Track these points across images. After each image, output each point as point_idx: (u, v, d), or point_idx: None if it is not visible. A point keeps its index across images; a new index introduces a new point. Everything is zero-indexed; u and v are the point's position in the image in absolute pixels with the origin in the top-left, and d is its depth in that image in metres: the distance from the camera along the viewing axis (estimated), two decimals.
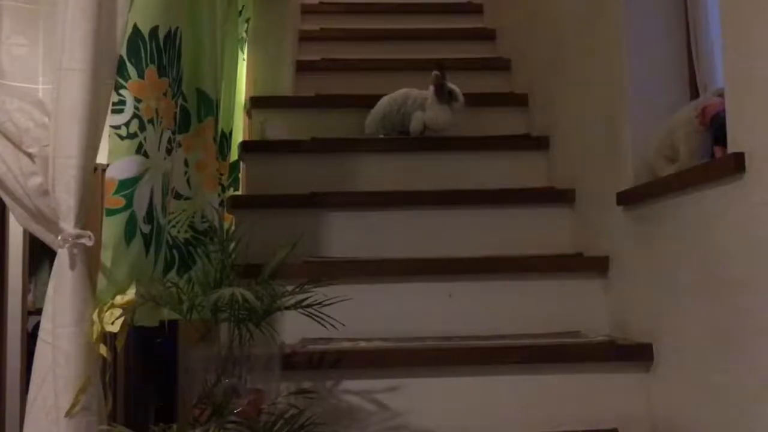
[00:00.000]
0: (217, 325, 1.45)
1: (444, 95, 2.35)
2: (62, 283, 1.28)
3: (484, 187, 2.24)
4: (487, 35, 3.34)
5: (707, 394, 1.42)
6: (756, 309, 1.24)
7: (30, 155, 1.32)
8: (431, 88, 2.36)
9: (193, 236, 1.67)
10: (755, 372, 1.26)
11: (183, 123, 1.64)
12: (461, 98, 2.37)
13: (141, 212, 1.38)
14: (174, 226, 1.63)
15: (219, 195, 1.89)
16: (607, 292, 1.89)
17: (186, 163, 1.67)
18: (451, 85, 2.36)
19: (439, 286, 1.89)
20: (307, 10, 3.53)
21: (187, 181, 1.68)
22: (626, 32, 1.73)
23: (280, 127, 2.54)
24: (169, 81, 1.47)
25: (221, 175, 1.96)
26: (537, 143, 2.41)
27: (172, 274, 1.60)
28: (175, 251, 1.63)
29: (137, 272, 1.39)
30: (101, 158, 1.36)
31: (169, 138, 1.49)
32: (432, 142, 2.40)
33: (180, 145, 1.63)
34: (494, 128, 2.55)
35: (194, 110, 1.69)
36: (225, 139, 2.04)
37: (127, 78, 1.37)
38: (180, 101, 1.58)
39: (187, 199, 1.67)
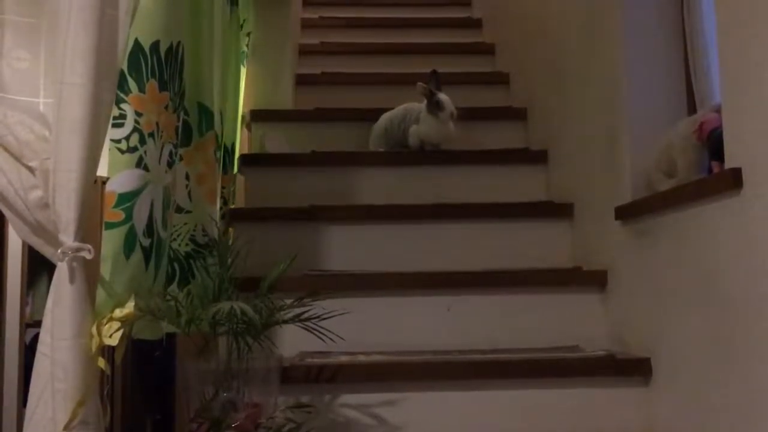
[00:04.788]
0: (216, 339, 1.45)
1: (432, 106, 2.35)
2: (61, 296, 1.28)
3: (483, 201, 2.24)
4: (486, 50, 3.36)
5: (706, 409, 1.42)
6: (755, 323, 1.25)
7: (30, 168, 1.32)
8: (425, 100, 2.37)
9: (194, 249, 1.67)
10: (754, 387, 1.26)
11: (184, 137, 1.65)
12: (448, 107, 2.34)
13: (141, 226, 1.39)
14: (175, 240, 1.64)
15: (221, 208, 1.90)
16: (606, 306, 1.89)
17: (187, 177, 1.68)
18: (441, 96, 2.35)
19: (437, 300, 1.89)
20: (307, 25, 3.56)
21: (188, 194, 1.68)
22: (625, 48, 1.74)
23: (279, 140, 2.55)
24: (170, 95, 1.48)
25: (223, 188, 1.97)
26: (536, 157, 2.41)
27: (173, 287, 1.60)
28: (176, 264, 1.63)
29: (136, 285, 1.39)
30: (102, 171, 1.37)
31: (170, 151, 1.50)
32: (431, 156, 2.40)
33: (181, 159, 1.64)
34: (493, 142, 2.56)
35: (195, 124, 1.70)
36: (227, 152, 2.05)
37: (128, 92, 1.38)
38: (182, 115, 1.59)
39: (188, 212, 1.68)
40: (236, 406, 1.39)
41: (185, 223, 1.67)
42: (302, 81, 3.01)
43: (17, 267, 3.00)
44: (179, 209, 1.65)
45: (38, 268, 3.11)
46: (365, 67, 3.12)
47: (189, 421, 1.40)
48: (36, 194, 1.32)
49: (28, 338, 3.04)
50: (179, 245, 1.65)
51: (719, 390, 1.37)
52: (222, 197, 1.96)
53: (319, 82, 3.02)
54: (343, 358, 1.69)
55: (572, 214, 2.15)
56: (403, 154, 2.43)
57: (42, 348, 1.30)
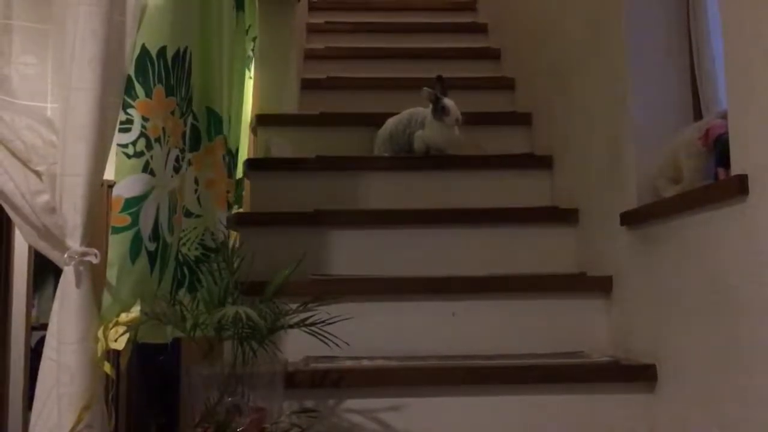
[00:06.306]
0: (221, 343, 1.45)
1: (438, 111, 2.35)
2: (68, 300, 1.28)
3: (487, 206, 2.24)
4: (491, 55, 3.36)
5: (711, 415, 1.42)
6: (759, 330, 1.24)
7: (38, 173, 1.33)
8: (430, 105, 2.37)
9: (203, 254, 1.68)
10: (759, 393, 1.25)
11: (194, 142, 1.65)
12: (453, 113, 2.33)
13: (146, 230, 1.39)
14: (185, 244, 1.64)
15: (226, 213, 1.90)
16: (611, 312, 1.89)
17: (196, 181, 1.69)
18: (446, 101, 2.35)
19: (442, 305, 1.89)
20: (313, 29, 3.57)
21: (198, 199, 1.69)
22: (630, 53, 1.74)
23: (284, 144, 2.55)
24: (176, 100, 1.49)
25: (228, 192, 1.97)
26: (541, 162, 2.41)
27: (183, 292, 1.61)
28: (185, 269, 1.63)
29: (142, 290, 1.39)
30: (109, 175, 1.37)
31: (177, 156, 1.51)
32: (436, 161, 2.40)
33: (190, 164, 1.64)
34: (498, 147, 2.56)
35: (204, 129, 1.71)
36: (232, 156, 2.06)
37: (134, 97, 1.39)
38: (190, 120, 1.60)
39: (197, 217, 1.68)
40: (241, 410, 1.39)
41: (195, 228, 1.68)
42: (308, 85, 3.02)
43: (23, 270, 3.02)
44: (189, 214, 1.65)
45: (44, 271, 3.13)
46: (370, 72, 3.13)
47: (194, 425, 1.40)
48: (43, 199, 1.32)
49: (33, 341, 3.05)
50: (189, 250, 1.66)
51: (725, 397, 1.36)
52: (227, 201, 1.96)
53: (324, 86, 3.02)
54: (348, 363, 1.69)
55: (577, 220, 2.15)
56: (408, 159, 2.43)
57: (48, 352, 1.31)
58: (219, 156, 1.74)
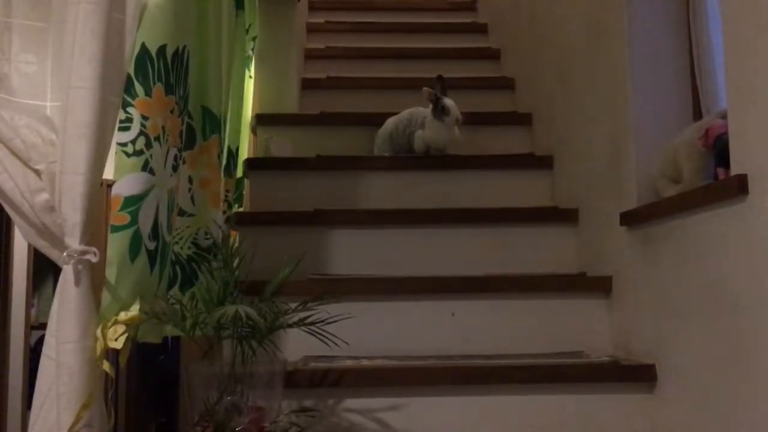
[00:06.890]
0: (220, 342, 1.45)
1: (438, 111, 2.35)
2: (67, 299, 1.28)
3: (488, 206, 2.24)
4: (491, 55, 3.36)
5: (711, 416, 1.42)
6: (759, 330, 1.24)
7: (37, 172, 1.33)
8: (430, 105, 2.37)
9: (195, 253, 1.68)
10: (759, 393, 1.25)
11: (188, 140, 1.65)
12: (453, 112, 2.33)
13: (146, 229, 1.39)
14: (177, 243, 1.64)
15: (225, 212, 1.90)
16: (611, 312, 1.89)
17: (190, 180, 1.68)
18: (447, 100, 2.35)
19: (442, 305, 1.89)
20: (313, 29, 3.57)
21: (191, 198, 1.68)
22: (630, 53, 1.74)
23: (284, 144, 2.55)
24: (175, 99, 1.49)
25: (227, 191, 1.97)
26: (541, 162, 2.41)
27: (175, 291, 1.61)
28: (177, 267, 1.63)
29: (141, 289, 1.39)
30: (108, 174, 1.37)
31: (175, 155, 1.50)
32: (436, 161, 2.40)
33: (184, 162, 1.64)
34: (498, 147, 2.56)
35: (199, 128, 1.71)
36: (231, 156, 2.05)
37: (134, 96, 1.39)
38: (186, 119, 1.60)
39: (190, 215, 1.68)
40: (240, 409, 1.39)
41: (188, 227, 1.67)
42: (308, 85, 3.02)
43: (23, 269, 3.02)
44: (182, 212, 1.65)
45: (44, 270, 3.13)
46: (371, 72, 3.13)
47: (193, 424, 1.40)
48: (42, 197, 1.32)
49: (32, 340, 3.05)
50: (181, 248, 1.66)
51: (725, 396, 1.36)
52: (226, 200, 1.96)
53: (324, 86, 3.02)
54: (347, 363, 1.69)
55: (577, 220, 2.15)
56: (408, 158, 2.43)
57: (47, 351, 1.31)
58: (214, 155, 1.74)
